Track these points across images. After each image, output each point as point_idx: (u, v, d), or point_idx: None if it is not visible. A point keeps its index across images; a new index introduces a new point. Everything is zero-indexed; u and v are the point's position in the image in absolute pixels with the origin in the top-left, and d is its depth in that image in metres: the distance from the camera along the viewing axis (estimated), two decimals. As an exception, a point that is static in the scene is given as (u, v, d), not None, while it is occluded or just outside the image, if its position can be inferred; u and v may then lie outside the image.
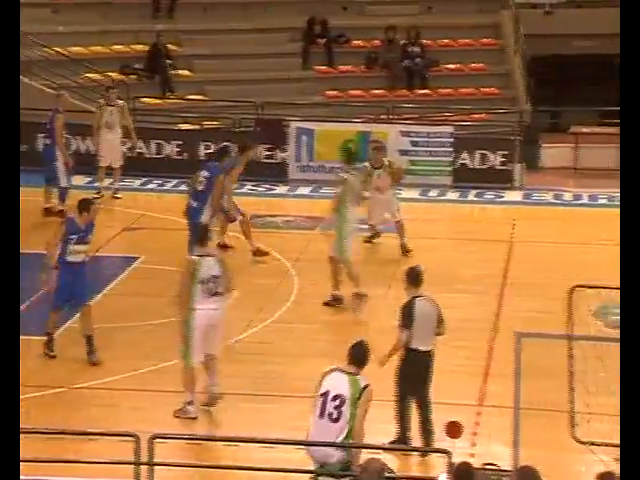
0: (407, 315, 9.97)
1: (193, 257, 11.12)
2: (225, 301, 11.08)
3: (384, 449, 8.48)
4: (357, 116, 21.10)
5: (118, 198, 18.12)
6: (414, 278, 10.17)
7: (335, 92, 22.84)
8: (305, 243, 16.31)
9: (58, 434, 9.50)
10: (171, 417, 10.91)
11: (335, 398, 8.31)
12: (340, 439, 8.27)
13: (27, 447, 9.44)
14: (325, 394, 8.32)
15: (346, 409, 8.32)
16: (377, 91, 23.00)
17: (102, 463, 8.89)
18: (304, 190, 19.34)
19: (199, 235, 11.40)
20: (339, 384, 8.34)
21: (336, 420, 8.30)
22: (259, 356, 12.36)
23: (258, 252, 15.11)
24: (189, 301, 10.83)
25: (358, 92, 22.85)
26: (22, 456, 9.02)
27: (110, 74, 21.25)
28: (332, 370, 8.43)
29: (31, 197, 17.43)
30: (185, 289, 10.90)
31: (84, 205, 12.05)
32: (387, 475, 7.62)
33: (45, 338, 12.16)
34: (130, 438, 8.36)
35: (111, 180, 18.21)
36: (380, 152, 16.29)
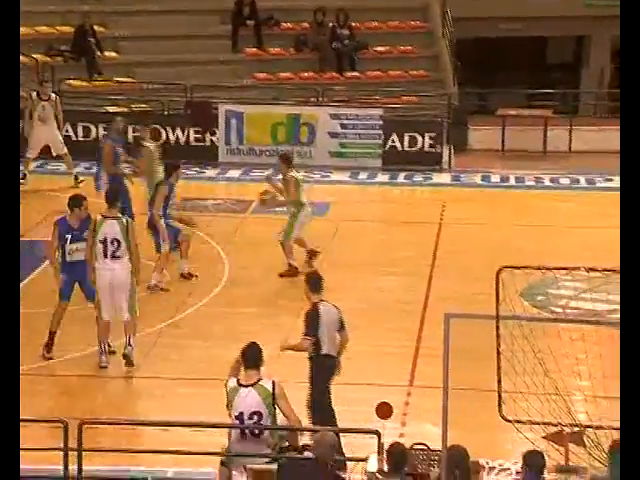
0: (313, 322, 9.67)
1: (97, 216, 11.42)
2: (126, 264, 11.32)
3: (315, 430, 8.51)
4: (287, 99, 21.08)
5: (81, 181, 17.77)
6: (315, 283, 9.91)
7: (265, 75, 22.77)
8: (235, 227, 16.28)
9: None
10: (100, 403, 10.83)
11: (252, 416, 8.24)
12: (269, 444, 8.26)
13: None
14: (240, 416, 8.24)
15: (265, 419, 8.28)
16: (307, 74, 22.98)
17: (31, 450, 8.79)
18: (234, 173, 19.29)
19: (109, 196, 11.68)
20: (250, 401, 8.25)
21: (259, 435, 8.28)
22: (189, 340, 12.32)
23: (188, 275, 14.42)
24: (91, 259, 11.30)
25: (288, 75, 22.80)
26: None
27: (35, 56, 20.93)
28: (237, 387, 8.29)
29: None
30: (87, 247, 11.34)
31: (75, 202, 11.71)
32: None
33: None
34: (59, 424, 8.29)
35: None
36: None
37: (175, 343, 12.24)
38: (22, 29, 21.86)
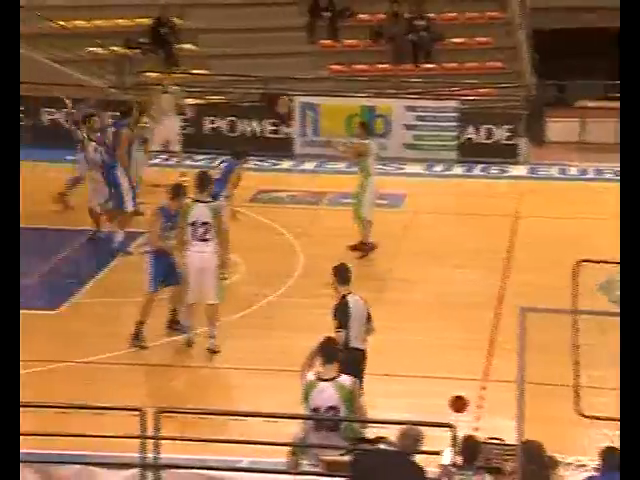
0: (343, 314, 9.68)
1: (187, 200, 11.56)
2: (214, 248, 11.47)
3: (389, 423, 8.50)
4: (362, 91, 21.05)
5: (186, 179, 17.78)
6: (344, 275, 9.90)
7: (340, 66, 22.77)
8: (310, 218, 16.32)
9: (65, 408, 9.54)
10: (176, 392, 10.95)
11: (328, 411, 8.25)
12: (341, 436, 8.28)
13: (34, 421, 9.52)
14: (316, 410, 8.24)
15: (343, 415, 8.28)
16: (382, 65, 22.92)
17: (108, 437, 8.93)
18: (309, 165, 19.33)
19: (200, 181, 11.80)
20: (327, 396, 8.26)
21: (334, 429, 8.30)
22: (263, 331, 12.39)
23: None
24: (182, 243, 11.49)
25: (363, 66, 22.76)
26: (29, 430, 9.12)
27: (114, 48, 21.19)
28: (315, 382, 8.30)
29: (31, 172, 17.50)
30: (179, 230, 11.48)
31: (177, 191, 11.94)
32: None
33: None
34: (136, 412, 8.40)
35: None
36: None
37: (250, 334, 12.32)
38: (101, 22, 22.24)
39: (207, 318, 11.76)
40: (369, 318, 9.89)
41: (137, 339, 11.80)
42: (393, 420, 8.71)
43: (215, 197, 12.70)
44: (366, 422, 8.45)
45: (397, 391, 10.88)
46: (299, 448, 8.34)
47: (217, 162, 14.29)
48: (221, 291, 11.73)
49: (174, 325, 12.12)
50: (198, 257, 11.51)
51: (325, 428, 8.31)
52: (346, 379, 8.37)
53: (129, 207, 14.80)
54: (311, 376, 8.36)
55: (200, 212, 11.54)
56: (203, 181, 11.89)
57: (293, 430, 8.73)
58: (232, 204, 13.75)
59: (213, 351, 11.60)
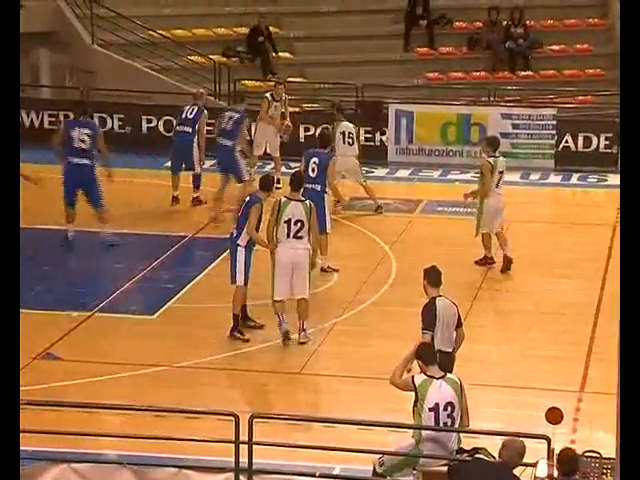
0: (429, 316, 9.69)
1: (282, 198, 11.82)
2: (306, 245, 11.75)
3: (483, 433, 8.42)
4: (458, 98, 20.93)
5: (278, 188, 17.73)
6: (434, 278, 9.89)
7: (436, 74, 22.68)
8: (403, 226, 16.26)
9: (161, 411, 9.66)
10: (269, 397, 11.00)
11: (446, 407, 8.28)
12: (455, 439, 8.29)
13: (130, 424, 9.66)
14: (435, 407, 8.25)
15: (457, 411, 8.32)
16: (478, 73, 22.78)
17: (203, 441, 9.01)
18: (403, 173, 19.27)
19: (294, 180, 12.07)
20: (445, 392, 8.29)
21: (452, 424, 8.33)
22: (358, 338, 12.39)
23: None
24: (273, 239, 11.76)
25: (459, 74, 22.65)
26: (125, 432, 9.24)
27: (212, 57, 21.45)
28: (429, 379, 8.30)
29: (129, 178, 17.78)
30: (269, 227, 11.76)
31: (269, 183, 12.27)
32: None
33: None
34: (230, 417, 8.46)
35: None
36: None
37: (343, 341, 12.32)
38: (200, 31, 22.54)
39: (298, 313, 11.96)
40: (459, 323, 9.82)
41: (236, 331, 12.07)
42: (489, 430, 8.62)
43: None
44: (463, 432, 8.38)
45: (493, 401, 10.77)
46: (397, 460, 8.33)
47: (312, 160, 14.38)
48: (309, 287, 12.00)
49: (247, 321, 12.31)
50: (291, 253, 11.76)
51: (443, 426, 8.26)
52: (453, 376, 8.39)
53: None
54: (421, 377, 8.33)
55: (295, 210, 11.79)
56: (297, 180, 12.16)
57: (384, 438, 8.69)
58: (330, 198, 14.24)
59: (304, 342, 11.93)
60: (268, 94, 17.70)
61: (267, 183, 12.25)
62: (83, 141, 14.76)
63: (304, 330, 12.00)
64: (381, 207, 16.69)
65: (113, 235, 14.93)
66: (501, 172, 14.28)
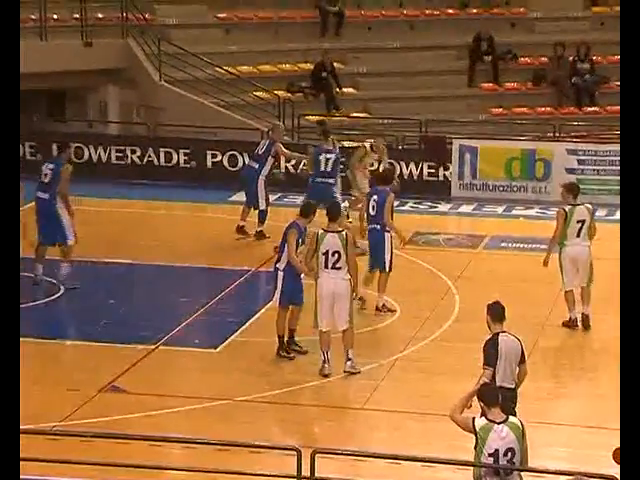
0: (491, 352, 9.60)
1: (319, 230, 11.99)
2: (345, 275, 11.83)
3: (549, 473, 8.32)
4: (522, 134, 20.85)
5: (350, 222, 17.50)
6: (497, 313, 9.80)
7: (500, 109, 22.64)
8: (467, 261, 16.19)
9: (223, 445, 9.69)
10: (331, 432, 10.98)
11: (506, 453, 8.15)
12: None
13: (189, 458, 9.70)
14: (495, 453, 8.11)
15: (518, 456, 8.17)
16: (543, 108, 22.69)
17: (265, 476, 9.01)
18: (467, 208, 19.21)
19: (331, 211, 12.24)
20: (506, 437, 8.13)
21: (510, 473, 8.19)
22: (420, 374, 12.33)
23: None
24: (313, 269, 11.94)
25: (524, 109, 22.59)
26: (193, 466, 9.28)
27: (277, 92, 21.64)
28: (490, 424, 8.16)
29: (195, 212, 17.93)
30: (307, 258, 11.96)
31: (309, 210, 12.48)
32: None
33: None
34: (292, 452, 8.46)
35: None
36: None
37: (405, 376, 12.28)
38: (264, 67, 22.78)
39: (344, 344, 12.04)
40: (523, 359, 9.76)
41: (282, 350, 12.38)
42: (556, 470, 8.51)
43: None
44: (530, 471, 8.27)
45: (558, 440, 10.64)
46: None
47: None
48: (351, 316, 12.04)
49: (291, 345, 12.47)
50: (332, 283, 11.93)
51: (501, 473, 8.16)
52: (516, 419, 8.29)
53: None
54: (482, 420, 8.24)
55: (332, 242, 11.94)
56: (334, 212, 12.33)
57: (450, 475, 8.62)
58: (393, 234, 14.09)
59: (352, 373, 11.96)
60: (367, 144, 17.33)
61: (307, 210, 12.49)
62: (46, 175, 14.68)
63: (350, 359, 12.02)
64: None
65: (70, 275, 14.52)
66: (581, 221, 13.40)
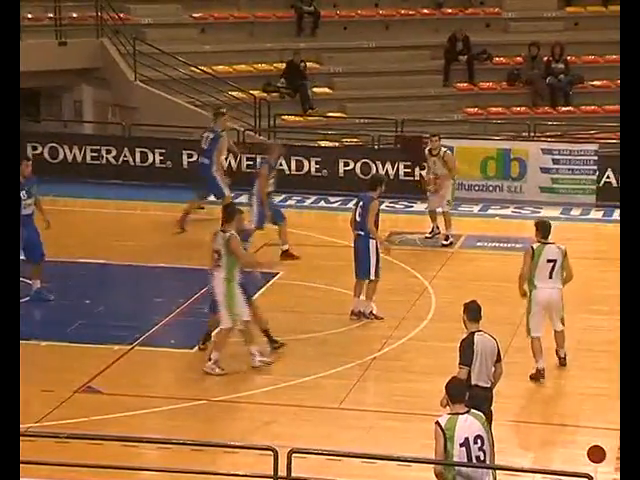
0: (467, 351, 9.65)
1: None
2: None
3: (524, 471, 8.34)
4: (497, 133, 20.91)
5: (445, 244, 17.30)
6: (473, 312, 9.84)
7: (475, 109, 22.71)
8: (443, 261, 16.22)
9: (199, 446, 9.67)
10: (307, 432, 10.98)
11: (476, 441, 8.17)
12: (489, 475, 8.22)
13: (165, 458, 9.67)
14: (465, 442, 8.14)
15: (487, 445, 8.21)
16: (519, 108, 22.77)
17: (241, 476, 9.00)
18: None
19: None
20: (472, 426, 8.16)
21: (483, 461, 8.21)
22: (397, 373, 12.34)
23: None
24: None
25: (499, 109, 22.66)
26: (169, 466, 9.25)
27: (253, 92, 21.61)
28: (454, 417, 8.18)
29: (170, 212, 17.89)
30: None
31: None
32: None
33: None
34: (268, 452, 8.46)
35: None
36: None
37: (381, 376, 12.29)
38: (240, 66, 22.73)
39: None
40: (499, 359, 9.78)
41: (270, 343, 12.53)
42: (530, 469, 8.54)
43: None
44: (503, 469, 8.29)
45: (533, 438, 10.68)
46: None
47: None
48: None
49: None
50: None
51: (477, 462, 8.17)
52: (476, 411, 8.29)
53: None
54: (445, 416, 8.27)
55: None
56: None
57: (424, 475, 8.63)
58: None
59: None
60: (426, 149, 17.07)
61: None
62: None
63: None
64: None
65: (46, 289, 14.30)
66: (552, 261, 12.11)
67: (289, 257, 15.96)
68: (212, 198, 17.47)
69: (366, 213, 13.74)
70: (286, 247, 16.05)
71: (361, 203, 13.88)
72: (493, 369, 9.76)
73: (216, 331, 12.39)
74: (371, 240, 13.76)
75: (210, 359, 12.11)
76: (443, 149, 17.00)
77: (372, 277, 13.77)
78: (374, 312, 13.87)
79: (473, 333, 9.79)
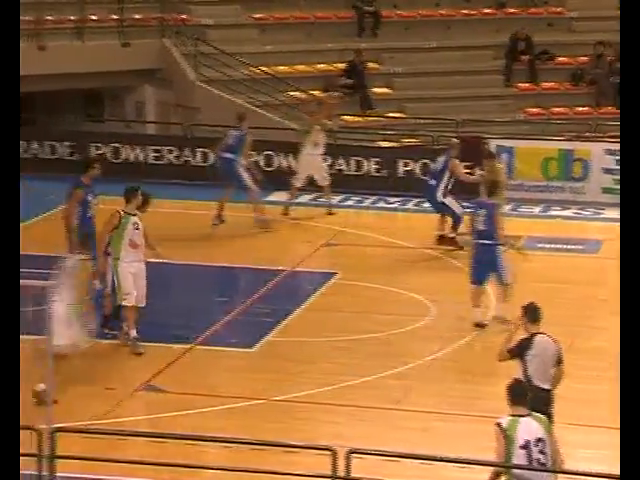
0: (521, 348, 9.61)
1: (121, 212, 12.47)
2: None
3: (584, 475, 8.28)
4: (559, 134, 20.73)
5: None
6: (533, 314, 9.78)
7: (537, 109, 22.54)
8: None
9: (258, 445, 9.73)
10: (364, 432, 10.99)
11: (537, 443, 8.13)
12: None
13: (225, 457, 9.74)
14: (526, 444, 8.10)
15: (548, 449, 8.16)
16: (581, 108, 22.55)
17: (300, 476, 9.04)
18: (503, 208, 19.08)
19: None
20: (533, 428, 8.13)
21: (544, 464, 8.17)
22: (455, 375, 12.31)
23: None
24: None
25: (561, 109, 22.47)
26: (228, 465, 9.32)
27: (313, 92, 21.66)
28: (515, 419, 8.13)
29: (230, 212, 18.00)
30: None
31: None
32: None
33: None
34: (327, 452, 8.48)
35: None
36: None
37: (440, 377, 12.27)
38: (302, 67, 22.78)
39: None
40: (560, 361, 9.72)
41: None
42: (589, 472, 8.47)
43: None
44: (565, 473, 8.24)
45: (593, 442, 10.59)
46: None
47: None
48: None
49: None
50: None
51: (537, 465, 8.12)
52: (539, 413, 8.26)
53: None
54: (505, 419, 8.23)
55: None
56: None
57: (481, 477, 8.60)
58: None
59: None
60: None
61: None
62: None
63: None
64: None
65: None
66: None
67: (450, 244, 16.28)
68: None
69: (493, 221, 13.63)
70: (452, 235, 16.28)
71: (483, 211, 13.73)
72: (553, 371, 9.69)
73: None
74: (499, 247, 13.67)
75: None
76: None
77: (506, 281, 13.68)
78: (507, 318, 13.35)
79: (534, 334, 9.73)
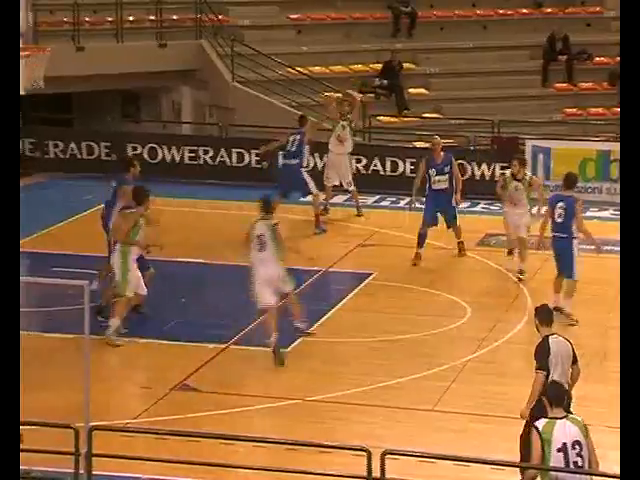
0: (542, 356, 9.54)
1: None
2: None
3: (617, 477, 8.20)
4: (597, 134, 20.59)
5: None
6: (545, 316, 9.72)
7: (575, 110, 22.40)
8: (540, 263, 16.04)
9: (293, 445, 9.75)
10: (399, 433, 10.98)
11: (574, 445, 8.08)
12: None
13: (259, 456, 9.77)
14: (563, 447, 8.06)
15: (585, 452, 8.11)
16: (619, 109, 22.39)
17: (335, 476, 9.04)
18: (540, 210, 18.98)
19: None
20: (570, 431, 8.09)
21: (581, 467, 8.12)
22: (490, 376, 12.26)
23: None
24: None
25: (599, 110, 22.31)
26: (263, 465, 9.34)
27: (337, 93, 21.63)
28: (552, 421, 8.10)
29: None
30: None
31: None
32: None
33: None
34: (362, 452, 8.48)
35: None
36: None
37: (475, 378, 12.22)
38: (338, 67, 22.78)
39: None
40: (575, 360, 9.69)
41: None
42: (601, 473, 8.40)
43: None
44: (601, 475, 8.18)
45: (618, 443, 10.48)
46: None
47: None
48: None
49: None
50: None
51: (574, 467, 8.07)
52: (576, 415, 8.21)
53: None
54: (543, 420, 8.18)
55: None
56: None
57: (515, 479, 8.57)
58: None
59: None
60: (508, 171, 16.16)
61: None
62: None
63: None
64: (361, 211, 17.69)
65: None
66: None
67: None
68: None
69: (572, 215, 13.74)
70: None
71: (561, 204, 13.80)
72: (570, 371, 9.64)
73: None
74: (574, 240, 13.78)
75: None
76: (529, 174, 16.41)
77: (575, 277, 13.75)
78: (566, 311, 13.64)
79: (547, 337, 9.68)
